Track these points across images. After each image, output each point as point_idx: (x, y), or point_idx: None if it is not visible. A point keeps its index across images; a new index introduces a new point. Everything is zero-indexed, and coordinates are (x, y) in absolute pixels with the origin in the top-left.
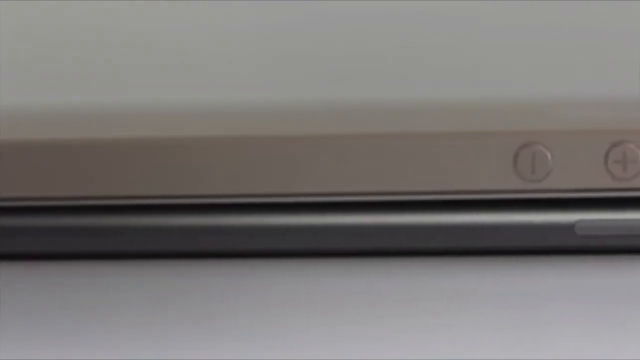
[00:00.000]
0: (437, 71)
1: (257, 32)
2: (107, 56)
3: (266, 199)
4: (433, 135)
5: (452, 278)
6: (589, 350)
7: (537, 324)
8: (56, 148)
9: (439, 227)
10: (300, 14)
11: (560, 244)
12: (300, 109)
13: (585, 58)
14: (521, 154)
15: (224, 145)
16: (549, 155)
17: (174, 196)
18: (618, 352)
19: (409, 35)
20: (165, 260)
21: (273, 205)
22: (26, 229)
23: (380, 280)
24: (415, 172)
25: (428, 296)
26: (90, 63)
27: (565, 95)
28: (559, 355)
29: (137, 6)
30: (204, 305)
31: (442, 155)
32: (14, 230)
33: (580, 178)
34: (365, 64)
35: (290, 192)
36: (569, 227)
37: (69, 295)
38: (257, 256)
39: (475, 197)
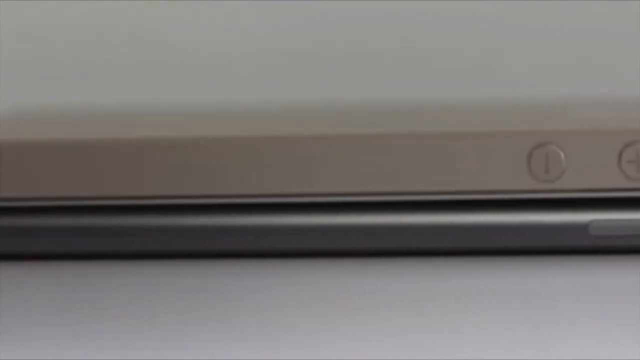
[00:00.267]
0: (451, 71)
1: (258, 32)
2: (107, 56)
3: (269, 199)
4: (446, 135)
5: (465, 278)
6: (603, 350)
7: (550, 325)
8: (56, 148)
9: (451, 227)
10: (304, 14)
11: (574, 244)
12: (307, 109)
13: (599, 58)
14: (535, 153)
15: (224, 146)
16: (562, 155)
17: (174, 196)
18: (633, 353)
19: (421, 35)
20: (166, 261)
21: (278, 205)
22: (26, 229)
23: (392, 280)
24: (428, 172)
25: (440, 296)
26: (90, 63)
27: (579, 95)
28: (573, 356)
29: (138, 6)
30: (205, 305)
31: (455, 155)
32: (14, 230)
33: (593, 178)
34: (377, 64)
35: (307, 192)
36: (583, 227)
37: (69, 295)
38: (259, 256)
39: (489, 197)
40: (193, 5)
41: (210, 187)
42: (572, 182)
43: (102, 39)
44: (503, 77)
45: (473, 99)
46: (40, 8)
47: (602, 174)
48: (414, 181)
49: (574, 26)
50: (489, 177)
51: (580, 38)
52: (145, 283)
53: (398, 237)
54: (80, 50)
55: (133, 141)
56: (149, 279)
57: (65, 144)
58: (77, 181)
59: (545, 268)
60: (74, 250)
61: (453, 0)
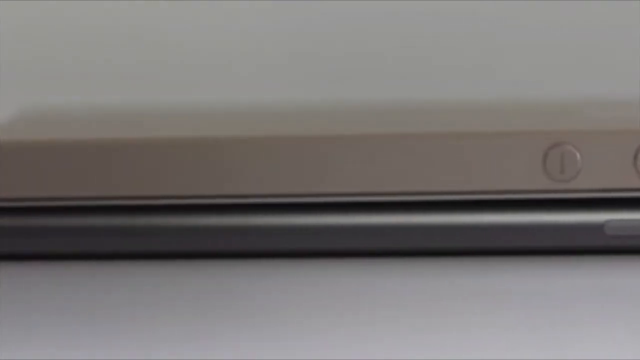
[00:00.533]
0: (468, 72)
1: (259, 32)
2: (109, 56)
3: (271, 200)
4: (463, 135)
5: (481, 278)
6: (618, 350)
7: (566, 325)
8: (56, 149)
9: (467, 227)
10: (304, 15)
11: (590, 244)
12: (308, 109)
13: (615, 58)
14: (550, 154)
15: (225, 146)
16: (578, 155)
17: (175, 197)
18: None
19: (436, 36)
20: (166, 261)
21: (282, 206)
22: (26, 229)
23: (406, 280)
24: (445, 172)
25: (457, 296)
26: (94, 63)
27: (594, 95)
28: (588, 356)
29: (139, 6)
30: (206, 305)
31: (471, 155)
32: (14, 231)
33: (609, 178)
34: (382, 64)
35: (321, 192)
36: (598, 227)
37: (69, 295)
38: (261, 256)
39: (504, 196)
40: (195, 5)
41: (211, 188)
42: (587, 182)
43: (104, 40)
44: (519, 78)
45: (489, 99)
46: (40, 8)
47: (618, 174)
48: (431, 181)
49: (591, 27)
50: (505, 177)
51: (598, 38)
52: (145, 283)
53: (413, 237)
54: (81, 51)
55: (133, 142)
56: (150, 279)
57: (65, 145)
58: (77, 182)
59: (561, 268)
60: (74, 250)
61: (475, 0)
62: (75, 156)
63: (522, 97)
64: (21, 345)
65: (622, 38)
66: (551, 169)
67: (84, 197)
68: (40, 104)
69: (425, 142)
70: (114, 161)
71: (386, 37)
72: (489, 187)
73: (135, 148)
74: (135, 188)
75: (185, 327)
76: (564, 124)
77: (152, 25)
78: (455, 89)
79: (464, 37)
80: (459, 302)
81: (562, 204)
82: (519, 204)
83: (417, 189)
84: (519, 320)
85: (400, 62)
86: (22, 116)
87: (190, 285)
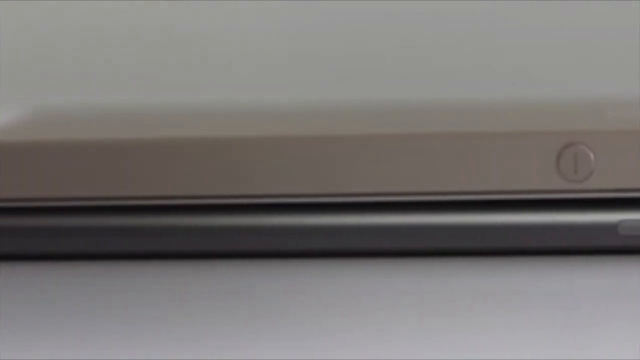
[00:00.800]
0: (481, 71)
1: (259, 32)
2: (108, 56)
3: (274, 200)
4: (476, 135)
5: (494, 278)
6: (633, 350)
7: (580, 325)
8: (57, 149)
9: (481, 227)
10: (304, 15)
11: (603, 244)
12: (310, 109)
13: (628, 58)
14: (564, 154)
15: (226, 146)
16: (591, 155)
17: (175, 197)
18: None
19: (437, 35)
20: (167, 261)
21: (287, 206)
22: (26, 229)
23: (418, 280)
24: (458, 172)
25: (468, 296)
26: (91, 63)
27: (608, 95)
28: (603, 356)
29: (139, 6)
30: (206, 305)
31: (484, 155)
32: (14, 231)
33: (623, 178)
34: (402, 64)
35: (333, 193)
36: (612, 227)
37: (69, 295)
38: (262, 257)
39: (518, 197)
40: (195, 5)
41: (212, 188)
42: (601, 182)
43: (104, 39)
44: (532, 77)
45: (502, 99)
46: (40, 8)
47: (631, 174)
48: (443, 181)
49: (606, 26)
50: (518, 177)
51: (614, 38)
52: (145, 283)
53: (425, 237)
54: (81, 51)
55: (133, 142)
56: (150, 279)
57: (65, 145)
58: (78, 182)
59: (574, 268)
60: (74, 250)
61: (494, 0)
62: (76, 156)
63: (535, 97)
64: (21, 345)
65: (638, 37)
66: (564, 169)
67: (84, 197)
68: (41, 104)
69: (438, 142)
70: (114, 161)
71: (386, 37)
72: (502, 187)
73: (135, 148)
74: (135, 188)
75: (186, 328)
76: (577, 123)
77: (152, 25)
78: (468, 89)
79: (471, 36)
80: (471, 302)
81: (575, 204)
82: (532, 204)
83: (429, 189)
84: (532, 321)
85: (400, 62)
86: (23, 116)
87: (191, 286)
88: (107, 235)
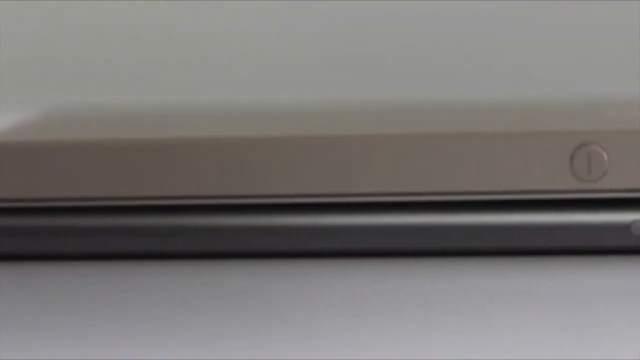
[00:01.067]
0: (494, 71)
1: (259, 32)
2: (108, 56)
3: (282, 200)
4: (489, 135)
5: (507, 278)
6: None
7: (592, 325)
8: (56, 149)
9: (495, 227)
10: (305, 15)
11: (616, 244)
12: (316, 109)
13: (629, 58)
14: (577, 154)
15: (229, 146)
16: (605, 155)
17: (175, 197)
18: None
19: (452, 36)
20: (167, 261)
21: (292, 206)
22: (26, 229)
23: (429, 281)
24: (471, 172)
25: (481, 296)
26: (91, 63)
27: (621, 95)
28: (616, 356)
29: (139, 6)
30: (206, 305)
31: (498, 155)
32: (14, 231)
33: (636, 178)
34: (416, 65)
35: (343, 193)
36: (625, 227)
37: (69, 295)
38: (263, 257)
39: (531, 197)
40: (202, 5)
41: (214, 188)
42: (614, 182)
43: (104, 39)
44: (545, 77)
45: (515, 99)
46: (40, 8)
47: None
48: (456, 181)
49: (622, 27)
50: (532, 177)
51: (628, 38)
52: (145, 283)
53: (438, 237)
54: (81, 51)
55: (133, 142)
56: (150, 279)
57: (66, 145)
58: (78, 182)
59: (587, 268)
60: (74, 250)
61: (510, 0)
62: (76, 156)
63: (548, 98)
64: (21, 345)
65: (638, 37)
66: (578, 169)
67: (84, 197)
68: (43, 104)
69: (451, 142)
70: (114, 161)
71: (386, 37)
72: (516, 187)
73: (135, 148)
74: (135, 188)
75: (188, 328)
76: (590, 124)
77: (152, 25)
78: (483, 89)
79: (471, 36)
80: (484, 303)
81: (588, 204)
82: (545, 204)
83: (443, 189)
84: (544, 321)
85: (400, 62)
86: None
87: (192, 286)
88: (109, 236)
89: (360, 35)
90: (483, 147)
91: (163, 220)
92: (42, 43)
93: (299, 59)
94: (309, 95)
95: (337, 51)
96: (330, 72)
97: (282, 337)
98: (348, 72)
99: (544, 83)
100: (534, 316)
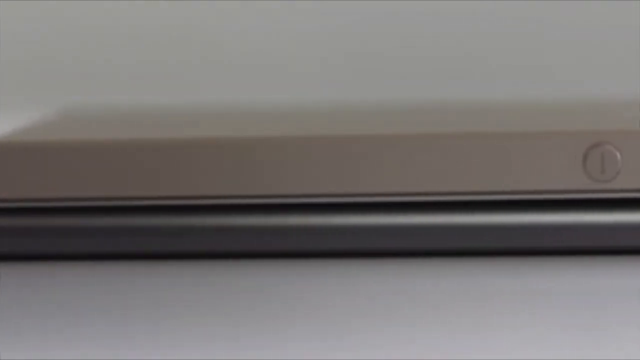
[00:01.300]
0: (508, 72)
1: (259, 32)
2: (108, 56)
3: (283, 200)
4: (503, 135)
5: (522, 278)
6: None
7: (606, 325)
8: (57, 149)
9: (508, 227)
10: (305, 15)
11: (630, 244)
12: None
13: (629, 58)
14: (590, 154)
15: (233, 147)
16: (618, 155)
17: (176, 197)
18: None
19: (482, 37)
20: (167, 261)
21: (297, 206)
22: (26, 229)
23: (447, 280)
24: (484, 172)
25: (498, 296)
26: (91, 63)
27: (634, 95)
28: (631, 356)
29: (139, 6)
30: (205, 306)
31: (511, 155)
32: (14, 231)
33: None
34: (432, 65)
35: (353, 193)
36: (638, 227)
37: (68, 295)
38: (264, 257)
39: (545, 197)
40: (202, 5)
41: (216, 188)
42: (627, 182)
43: (105, 39)
44: (558, 78)
45: (529, 99)
46: (40, 8)
47: None
48: (469, 181)
49: (630, 27)
50: (545, 177)
51: (636, 38)
52: (146, 284)
53: (455, 237)
54: (81, 51)
55: (133, 142)
56: (150, 279)
57: (66, 145)
58: (78, 182)
59: (601, 268)
60: (75, 250)
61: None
62: (76, 156)
63: (561, 97)
64: (21, 346)
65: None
66: (591, 169)
67: (84, 197)
68: (43, 104)
69: (464, 142)
70: (114, 161)
71: (386, 37)
72: (529, 187)
73: (136, 148)
74: (135, 188)
75: (190, 328)
76: (604, 124)
77: (154, 25)
78: (496, 89)
79: (471, 36)
80: (497, 303)
81: (602, 204)
82: (559, 204)
83: (456, 189)
84: (558, 321)
85: (471, 63)
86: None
87: (193, 286)
88: (109, 236)
89: (360, 35)
90: (496, 147)
91: (163, 221)
92: (40, 43)
93: (299, 59)
94: (308, 96)
95: (337, 51)
96: (330, 72)
97: (283, 337)
98: (348, 72)
99: (556, 83)
100: (545, 315)
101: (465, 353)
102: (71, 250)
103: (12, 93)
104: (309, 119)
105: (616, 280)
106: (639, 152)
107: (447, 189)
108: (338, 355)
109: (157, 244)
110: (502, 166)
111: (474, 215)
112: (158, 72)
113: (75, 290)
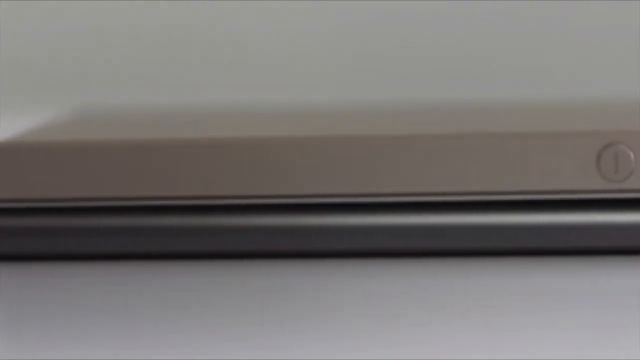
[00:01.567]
0: (522, 72)
1: (259, 32)
2: (108, 56)
3: (285, 200)
4: (516, 135)
5: (535, 278)
6: None
7: (620, 325)
8: (57, 149)
9: (522, 227)
10: (305, 15)
11: None
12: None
13: (629, 58)
14: (604, 153)
15: (230, 146)
16: (632, 155)
17: (177, 197)
18: None
19: (495, 37)
20: (168, 262)
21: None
22: (26, 229)
23: (460, 280)
24: (498, 172)
25: (507, 296)
26: (91, 63)
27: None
28: None
29: (139, 6)
30: (205, 306)
31: (525, 155)
32: (14, 231)
33: None
34: (447, 65)
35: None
36: None
37: (69, 295)
38: (263, 257)
39: (558, 197)
40: (202, 5)
41: (217, 188)
42: None
43: (106, 39)
44: (572, 78)
45: (542, 100)
46: (40, 8)
47: None
48: (483, 181)
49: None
50: (559, 177)
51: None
52: (146, 284)
53: (470, 237)
54: (81, 51)
55: (134, 142)
56: (150, 279)
57: (66, 146)
58: (78, 182)
59: (615, 268)
60: (75, 250)
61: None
62: (77, 157)
63: (575, 98)
64: (21, 346)
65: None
66: (605, 169)
67: (85, 197)
68: (43, 105)
69: (478, 142)
70: (114, 162)
71: (386, 37)
72: (543, 187)
73: (136, 149)
74: (135, 189)
75: (192, 329)
76: (617, 123)
77: (154, 25)
78: (510, 90)
79: (471, 37)
80: (510, 303)
81: (616, 203)
82: (573, 204)
83: (470, 189)
84: (572, 321)
85: (485, 62)
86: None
87: (193, 287)
88: (110, 236)
89: (360, 36)
90: (510, 147)
91: (163, 221)
92: (40, 43)
93: (299, 59)
94: (308, 96)
95: (337, 51)
96: (330, 72)
97: (290, 337)
98: (348, 72)
99: (568, 83)
100: (559, 316)
101: (472, 353)
102: (67, 250)
103: (12, 93)
104: (309, 119)
105: (630, 280)
106: None
107: (460, 189)
108: (344, 355)
109: (161, 244)
110: (516, 166)
111: (488, 215)
112: (158, 72)
113: (77, 290)
